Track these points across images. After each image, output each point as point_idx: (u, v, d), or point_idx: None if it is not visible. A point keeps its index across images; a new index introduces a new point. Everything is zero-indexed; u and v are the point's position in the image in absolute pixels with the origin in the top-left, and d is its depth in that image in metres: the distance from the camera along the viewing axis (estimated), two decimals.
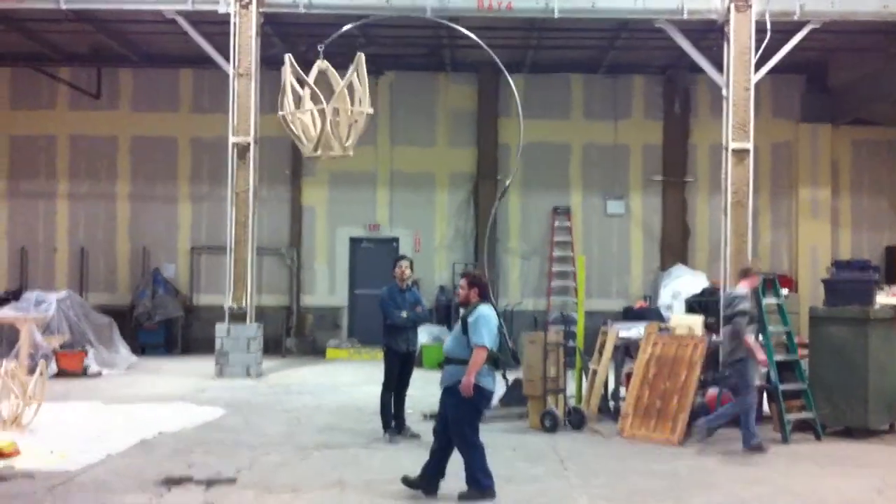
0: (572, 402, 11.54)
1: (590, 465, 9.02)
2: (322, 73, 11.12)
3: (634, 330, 12.05)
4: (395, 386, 10.45)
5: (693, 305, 15.96)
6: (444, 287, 19.74)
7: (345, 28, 13.15)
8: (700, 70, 16.29)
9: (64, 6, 15.66)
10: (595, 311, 17.49)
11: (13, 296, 17.09)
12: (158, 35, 17.97)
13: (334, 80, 10.89)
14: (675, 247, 20.07)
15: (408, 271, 10.73)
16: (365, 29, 17.78)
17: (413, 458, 9.17)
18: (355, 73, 10.76)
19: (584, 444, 10.09)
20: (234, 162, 15.62)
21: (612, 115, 20.39)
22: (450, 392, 7.59)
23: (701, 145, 20.20)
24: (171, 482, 7.95)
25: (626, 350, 12.04)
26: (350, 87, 10.81)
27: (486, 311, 7.60)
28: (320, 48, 11.39)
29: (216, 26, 15.80)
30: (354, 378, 15.76)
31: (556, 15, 15.77)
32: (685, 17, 15.65)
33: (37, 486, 7.73)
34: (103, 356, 16.27)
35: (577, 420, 10.91)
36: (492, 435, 10.43)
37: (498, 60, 13.98)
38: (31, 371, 11.46)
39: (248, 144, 15.57)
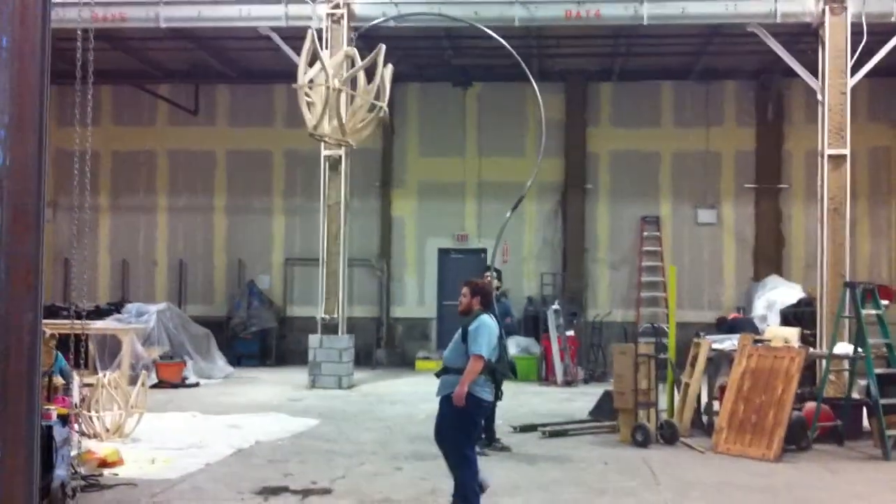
0: (664, 416, 11.40)
1: (684, 480, 8.91)
2: (351, 59, 11.04)
3: (728, 342, 11.85)
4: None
5: (789, 317, 15.62)
6: (532, 298, 19.70)
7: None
8: (794, 74, 15.95)
9: (163, 24, 16.20)
10: (686, 323, 17.22)
11: (115, 307, 17.66)
12: (253, 51, 18.43)
13: (354, 67, 10.82)
14: (769, 256, 19.65)
15: (494, 282, 10.77)
16: (453, 41, 17.99)
17: (503, 470, 9.23)
18: (380, 71, 10.68)
19: (678, 459, 9.96)
20: (327, 174, 15.91)
21: (703, 122, 20.09)
22: (447, 402, 7.31)
23: (796, 152, 19.75)
24: (268, 491, 8.14)
25: (720, 363, 11.86)
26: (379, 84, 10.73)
27: (486, 321, 7.36)
28: (353, 35, 11.38)
29: (303, 42, 16.10)
30: None
31: (646, 22, 15.65)
32: (778, 20, 15.37)
33: (139, 494, 8.00)
34: (201, 366, 16.73)
35: (669, 434, 10.77)
36: (582, 448, 10.44)
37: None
38: (133, 381, 11.87)
39: (340, 157, 15.84)
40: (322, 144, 15.90)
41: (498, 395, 10.38)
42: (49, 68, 3.22)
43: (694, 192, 20.04)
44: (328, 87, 10.08)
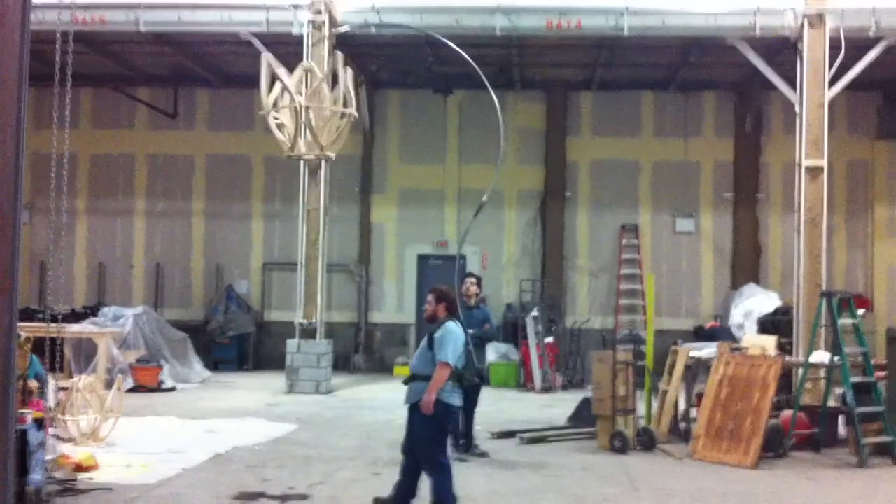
0: (642, 423, 11.44)
1: (663, 487, 8.93)
2: (309, 72, 10.98)
3: (706, 350, 11.90)
4: (463, 403, 10.47)
5: (766, 325, 15.72)
6: (511, 305, 19.75)
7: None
8: (773, 87, 16.11)
9: (143, 28, 16.13)
10: (664, 331, 17.32)
11: (91, 311, 17.56)
12: (234, 56, 18.39)
13: (315, 80, 10.77)
14: (746, 265, 19.79)
15: (474, 288, 10.79)
16: (434, 48, 18.01)
17: (483, 476, 9.23)
18: (342, 78, 10.65)
19: (656, 466, 9.99)
20: (306, 180, 15.88)
21: (682, 133, 20.24)
22: (416, 410, 7.29)
23: (773, 163, 19.93)
24: (246, 497, 8.09)
25: (697, 370, 11.91)
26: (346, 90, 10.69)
27: (452, 328, 7.33)
28: (334, 42, 11.32)
29: (290, 47, 16.11)
30: None
31: (626, 33, 15.75)
32: (757, 34, 15.51)
33: (115, 499, 7.92)
34: (178, 371, 16.64)
35: (647, 441, 10.80)
36: (560, 454, 10.45)
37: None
38: (109, 385, 11.78)
39: (320, 163, 15.81)
40: (302, 150, 15.88)
41: (472, 400, 10.47)
42: (27, 70, 3.20)
43: (673, 201, 20.18)
44: (295, 107, 10.02)
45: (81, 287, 20.54)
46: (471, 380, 7.50)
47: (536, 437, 11.37)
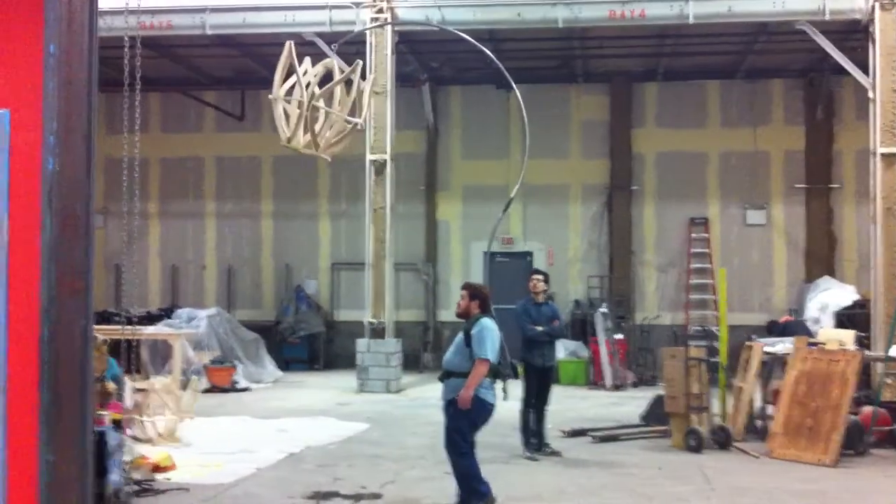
0: (717, 421, 11.22)
1: (737, 485, 8.76)
2: (330, 72, 10.95)
3: (781, 345, 11.65)
4: (533, 401, 10.42)
5: (843, 319, 15.32)
6: (578, 301, 19.57)
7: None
8: (844, 72, 15.68)
9: (209, 31, 16.35)
10: (736, 325, 16.91)
11: (166, 313, 17.86)
12: (298, 57, 18.49)
13: (336, 78, 10.74)
14: (820, 257, 19.30)
15: (541, 285, 10.70)
16: (496, 43, 17.93)
17: (552, 475, 9.15)
18: (356, 84, 10.60)
19: (731, 464, 9.80)
20: (372, 179, 15.94)
21: (750, 122, 19.81)
22: (451, 406, 7.35)
23: (847, 150, 19.38)
24: (319, 496, 8.15)
25: (773, 366, 11.65)
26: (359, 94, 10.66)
27: (488, 324, 7.35)
28: (334, 47, 11.29)
29: (352, 46, 16.16)
30: None
31: (691, 21, 15.47)
32: (827, 17, 15.10)
33: (192, 499, 8.05)
34: (250, 371, 16.85)
35: (722, 439, 10.60)
36: (633, 453, 10.32)
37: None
38: (184, 386, 11.97)
39: (385, 161, 15.86)
40: (367, 149, 15.95)
41: (543, 398, 10.40)
42: (97, 74, 3.23)
43: (742, 193, 19.75)
44: (302, 101, 10.07)
45: (156, 289, 20.91)
46: (507, 375, 7.48)
47: (608, 436, 11.25)
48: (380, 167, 15.90)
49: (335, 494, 8.23)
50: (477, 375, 7.14)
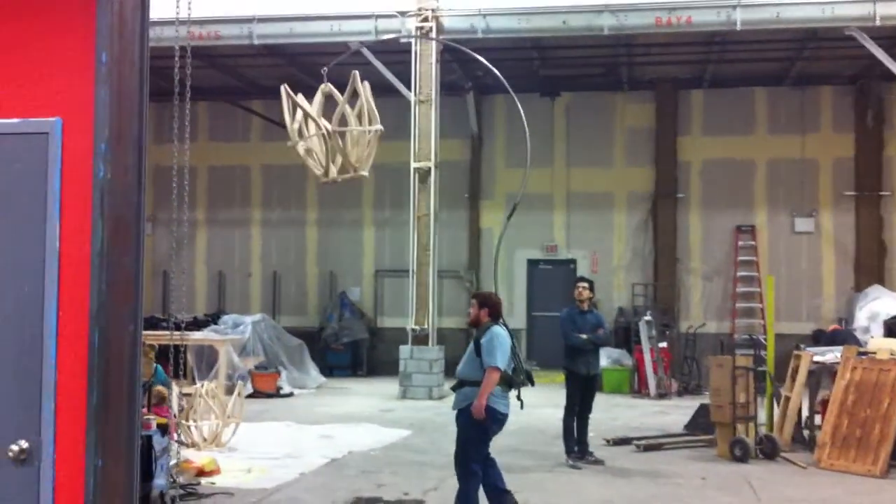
0: (763, 430, 11.08)
1: (785, 496, 8.63)
2: (328, 97, 11.01)
3: (830, 354, 11.46)
4: (577, 409, 10.37)
5: (893, 328, 15.04)
6: (622, 309, 19.44)
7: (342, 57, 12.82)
8: (894, 78, 15.42)
9: (257, 42, 16.55)
10: (783, 334, 16.71)
11: (212, 318, 18.04)
12: (342, 66, 18.62)
13: (339, 100, 10.80)
14: (870, 266, 18.97)
15: (586, 293, 10.64)
16: (541, 51, 17.93)
17: (596, 485, 9.09)
18: (364, 93, 10.62)
19: (778, 474, 9.66)
20: (416, 187, 15.99)
21: (798, 129, 19.55)
22: (463, 415, 7.29)
23: None
24: (362, 502, 8.18)
25: (821, 375, 11.47)
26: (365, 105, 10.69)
27: (498, 332, 7.28)
28: (324, 71, 11.33)
29: (398, 55, 16.27)
30: (534, 400, 15.69)
31: (739, 27, 15.34)
32: (877, 23, 14.89)
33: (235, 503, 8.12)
34: (294, 377, 16.97)
35: (769, 449, 10.46)
36: (677, 462, 10.21)
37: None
38: (229, 391, 12.08)
39: (429, 169, 15.90)
40: (412, 157, 16.01)
41: (586, 406, 10.33)
42: (148, 83, 3.28)
43: (790, 201, 19.50)
44: (323, 134, 10.16)
45: (202, 295, 21.15)
46: (521, 383, 7.38)
47: (652, 445, 11.15)
48: (424, 175, 15.95)
49: (378, 500, 8.25)
50: (488, 384, 7.09)
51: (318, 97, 11.22)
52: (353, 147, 10.77)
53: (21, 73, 3.43)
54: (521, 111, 11.58)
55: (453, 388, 7.52)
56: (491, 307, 7.52)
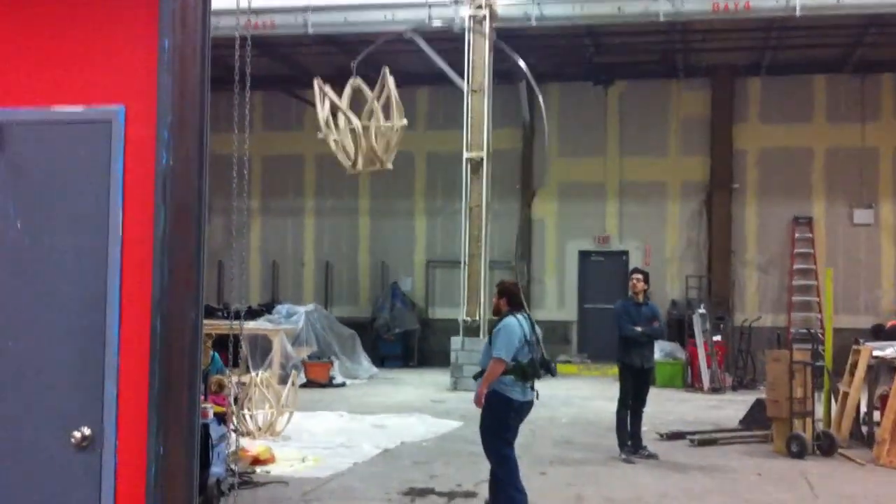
0: (821, 426, 10.86)
1: (843, 493, 8.46)
2: (357, 90, 11.04)
3: (890, 349, 11.19)
4: (630, 403, 10.25)
5: (879, 333, 14.66)
6: (675, 301, 19.21)
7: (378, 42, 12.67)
8: None
9: (311, 31, 16.60)
10: (841, 328, 16.31)
11: (266, 308, 18.18)
12: (395, 54, 18.65)
13: (367, 94, 10.82)
14: None
15: (641, 284, 10.50)
16: (595, 38, 17.75)
17: (651, 478, 8.99)
18: (390, 88, 10.65)
19: (836, 471, 9.47)
20: (468, 177, 15.93)
21: (858, 117, 19.13)
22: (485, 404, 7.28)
23: None
24: (415, 493, 8.17)
25: (880, 370, 11.21)
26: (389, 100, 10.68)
27: (509, 322, 7.19)
28: (353, 65, 11.36)
29: (451, 43, 16.21)
30: (586, 392, 15.66)
31: (798, 13, 15.03)
32: None
33: (291, 492, 8.15)
34: (347, 367, 17.05)
35: (826, 445, 10.25)
36: (732, 457, 10.07)
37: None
38: (283, 381, 12.16)
39: (482, 159, 15.83)
40: (464, 147, 15.95)
41: (640, 399, 10.19)
42: (209, 71, 3.28)
43: (849, 191, 19.10)
44: (353, 129, 10.23)
45: (256, 285, 21.32)
46: (535, 374, 7.25)
47: (707, 439, 11.00)
48: (476, 165, 15.88)
49: (430, 491, 8.24)
50: (489, 374, 7.08)
51: (348, 90, 11.31)
52: (378, 140, 10.86)
53: (84, 61, 3.45)
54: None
55: (475, 377, 7.52)
56: (509, 295, 7.46)
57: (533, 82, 10.95)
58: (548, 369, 7.39)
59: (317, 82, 10.81)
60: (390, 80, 11.08)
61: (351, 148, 10.70)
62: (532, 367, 7.21)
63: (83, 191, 3.42)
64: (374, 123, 10.65)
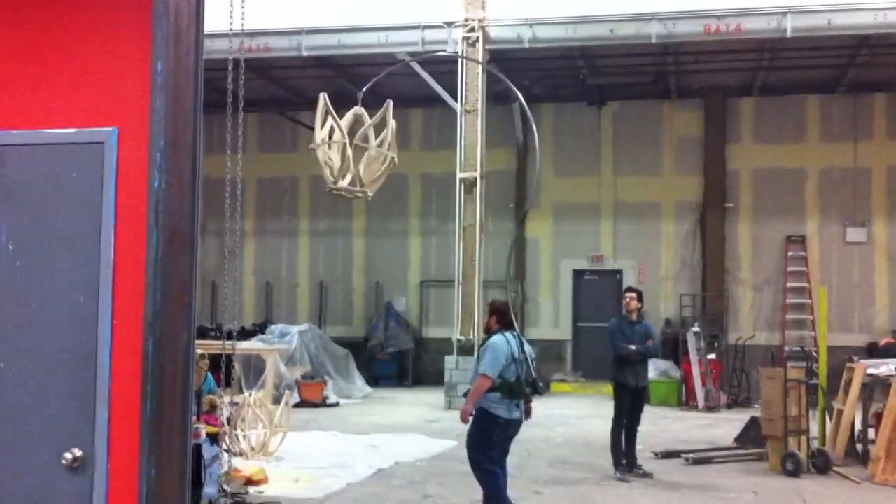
0: (815, 444, 10.87)
1: None
2: (358, 118, 11.39)
3: (884, 367, 11.22)
4: (625, 422, 10.24)
5: (873, 351, 14.71)
6: (670, 320, 19.24)
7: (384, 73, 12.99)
8: None
9: (305, 53, 16.68)
10: (835, 347, 16.39)
11: (259, 328, 18.17)
12: (390, 77, 18.69)
13: (366, 123, 11.18)
14: None
15: (634, 303, 10.51)
16: (588, 60, 17.85)
17: (646, 498, 8.97)
18: (390, 122, 10.99)
19: (832, 489, 9.47)
20: (462, 197, 15.98)
21: (851, 137, 19.23)
22: (471, 421, 7.38)
23: None
24: None
25: (874, 388, 11.23)
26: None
27: (495, 340, 7.29)
28: (359, 95, 11.69)
29: (444, 65, 16.30)
30: (581, 411, 15.64)
31: (789, 34, 15.14)
32: None
33: None
34: (341, 386, 17.02)
35: (821, 463, 10.25)
36: (728, 476, 10.06)
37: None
38: (276, 401, 12.13)
39: (475, 179, 15.88)
40: (458, 167, 16.00)
41: (634, 418, 10.16)
42: (202, 93, 3.30)
43: (842, 210, 19.17)
44: (345, 146, 10.55)
45: (250, 305, 21.31)
46: (521, 392, 7.26)
47: (701, 458, 10.99)
48: (470, 185, 15.93)
49: None
50: (475, 390, 7.18)
51: (350, 116, 11.55)
52: (366, 166, 11.12)
53: (77, 82, 3.47)
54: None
55: (464, 395, 7.56)
56: (498, 314, 7.55)
57: (524, 103, 11.08)
58: (534, 388, 7.38)
59: (324, 97, 11.09)
60: (390, 115, 11.39)
61: (337, 165, 10.94)
62: (518, 385, 7.22)
63: (75, 213, 3.42)
64: (366, 145, 10.89)
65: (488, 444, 7.32)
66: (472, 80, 15.91)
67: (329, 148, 11.16)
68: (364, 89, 12.08)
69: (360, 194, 11.58)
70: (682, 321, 18.66)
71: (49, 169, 3.46)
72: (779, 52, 17.00)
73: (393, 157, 11.36)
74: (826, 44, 16.39)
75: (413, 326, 20.44)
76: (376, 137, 11.23)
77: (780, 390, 10.33)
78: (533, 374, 7.39)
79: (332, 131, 11.31)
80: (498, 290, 19.89)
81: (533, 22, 15.80)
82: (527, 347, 7.45)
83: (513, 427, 7.38)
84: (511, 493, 9.05)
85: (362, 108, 11.65)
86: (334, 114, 11.40)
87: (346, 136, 11.02)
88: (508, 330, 7.43)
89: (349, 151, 10.83)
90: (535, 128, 12.33)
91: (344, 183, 11.03)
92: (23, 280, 3.45)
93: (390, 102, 11.58)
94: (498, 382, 7.11)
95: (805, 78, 18.77)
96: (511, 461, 10.70)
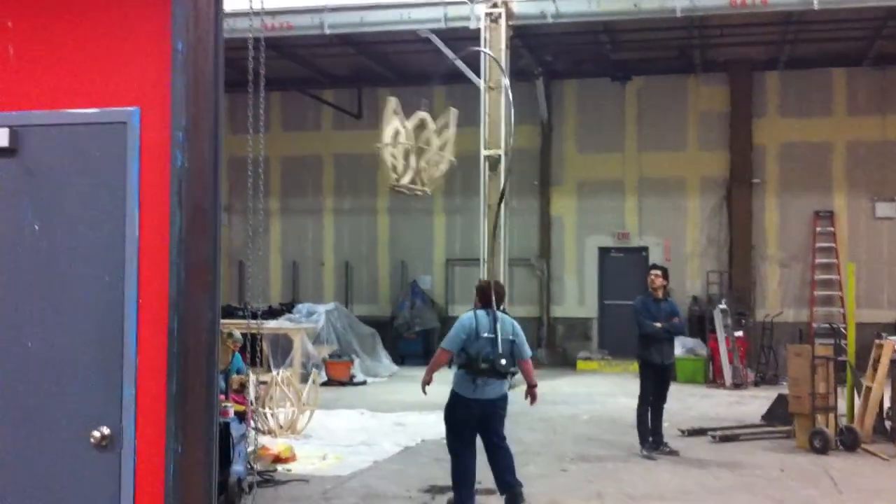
0: (844, 421, 10.79)
1: (867, 488, 8.41)
2: (422, 122, 11.77)
3: None
4: (651, 399, 10.22)
5: None
6: (696, 297, 19.13)
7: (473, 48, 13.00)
8: None
9: (328, 31, 16.62)
10: (863, 323, 16.20)
11: (286, 307, 18.25)
12: (412, 54, 18.68)
13: (430, 128, 11.68)
14: None
15: (659, 280, 10.45)
16: (612, 35, 17.70)
17: (673, 475, 8.97)
18: (452, 128, 11.41)
19: (860, 466, 9.41)
20: (486, 174, 15.92)
21: (879, 110, 18.94)
22: None
23: None
24: (436, 490, 8.20)
25: None
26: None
27: (463, 317, 7.47)
28: (424, 102, 12.00)
29: (467, 42, 16.19)
30: (607, 389, 15.62)
31: (816, 6, 14.86)
32: None
33: (311, 490, 8.19)
34: (367, 365, 17.09)
35: (850, 440, 10.19)
36: (755, 453, 10.02)
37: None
38: (304, 379, 12.20)
39: (500, 157, 15.81)
40: (482, 145, 15.94)
41: (660, 396, 10.13)
42: (223, 73, 3.30)
43: (871, 185, 18.92)
44: (409, 147, 10.90)
45: (276, 284, 21.40)
46: (479, 370, 7.22)
47: (728, 435, 10.96)
48: (494, 163, 15.87)
49: (451, 489, 8.23)
50: (433, 361, 7.56)
51: (415, 119, 11.94)
52: (427, 167, 11.49)
53: (99, 63, 3.48)
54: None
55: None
56: (480, 294, 7.64)
57: (540, 81, 11.19)
58: (493, 366, 7.21)
59: (394, 100, 11.64)
60: (453, 122, 11.89)
61: (401, 165, 11.47)
62: (475, 363, 7.19)
63: (99, 193, 3.45)
64: (429, 147, 11.37)
65: (451, 420, 7.53)
66: (495, 57, 15.80)
67: (394, 147, 11.60)
68: (427, 103, 12.58)
69: (419, 192, 11.96)
70: (709, 298, 18.55)
71: (73, 149, 3.49)
72: (805, 24, 16.76)
73: (452, 160, 11.83)
74: (852, 16, 16.13)
75: (438, 305, 20.45)
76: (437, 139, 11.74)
77: (807, 367, 10.26)
78: (499, 351, 7.25)
79: (396, 132, 11.74)
80: (523, 269, 19.93)
81: None
82: (507, 327, 7.38)
83: (475, 407, 7.35)
84: (536, 469, 9.11)
85: (426, 113, 12.05)
86: (403, 117, 11.77)
87: (412, 138, 11.48)
88: (484, 308, 7.47)
89: (412, 153, 11.32)
90: (548, 105, 12.31)
91: (405, 181, 11.45)
92: (48, 259, 3.48)
93: (454, 111, 11.95)
94: (462, 358, 7.16)
95: (831, 50, 18.49)
96: (536, 439, 10.80)
